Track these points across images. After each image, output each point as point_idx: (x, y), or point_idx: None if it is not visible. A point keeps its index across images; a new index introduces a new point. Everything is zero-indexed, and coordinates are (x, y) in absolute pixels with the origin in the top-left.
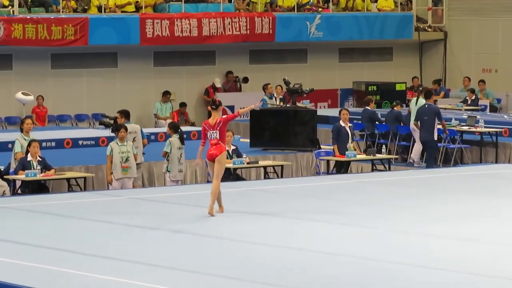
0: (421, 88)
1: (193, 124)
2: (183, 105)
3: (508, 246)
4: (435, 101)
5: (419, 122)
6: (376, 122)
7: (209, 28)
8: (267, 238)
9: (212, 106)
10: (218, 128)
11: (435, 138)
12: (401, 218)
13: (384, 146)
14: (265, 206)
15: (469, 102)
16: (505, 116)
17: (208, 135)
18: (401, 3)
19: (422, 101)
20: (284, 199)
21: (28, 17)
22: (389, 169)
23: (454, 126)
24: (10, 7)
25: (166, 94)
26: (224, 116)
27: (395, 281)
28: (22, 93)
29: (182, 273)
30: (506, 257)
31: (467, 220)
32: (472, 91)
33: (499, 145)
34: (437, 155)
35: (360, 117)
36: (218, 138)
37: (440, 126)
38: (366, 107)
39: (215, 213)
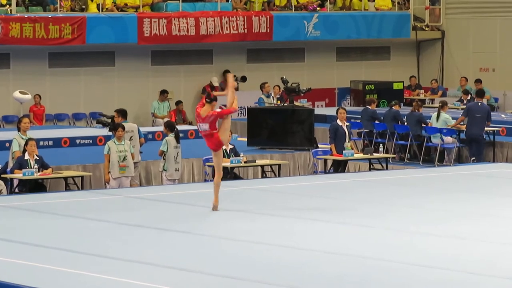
0: (440, 104)
1: (190, 123)
2: (179, 103)
3: (505, 244)
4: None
5: (466, 119)
6: (376, 122)
7: (206, 27)
8: (265, 237)
9: (207, 99)
10: (209, 121)
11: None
12: (399, 216)
13: (381, 145)
14: (262, 205)
15: (464, 102)
16: (503, 115)
17: (199, 127)
18: (398, 2)
19: (443, 115)
20: (281, 198)
21: (25, 16)
22: (387, 168)
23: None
24: (7, 6)
25: (163, 93)
26: (218, 110)
27: (393, 280)
28: (20, 92)
29: (179, 272)
30: (502, 255)
31: (464, 219)
32: (466, 92)
33: (497, 144)
34: (434, 154)
35: (357, 116)
36: (209, 129)
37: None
38: (367, 107)
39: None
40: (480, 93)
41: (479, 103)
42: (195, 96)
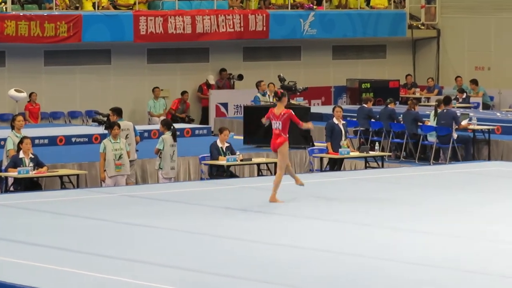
0: (437, 102)
1: (191, 121)
2: (184, 93)
3: (495, 242)
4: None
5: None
6: (372, 120)
7: (202, 25)
8: (263, 235)
9: (276, 98)
10: (281, 119)
11: None
12: (395, 215)
13: (377, 144)
14: (259, 203)
15: (460, 100)
16: (498, 114)
17: (272, 125)
18: (394, 1)
19: (438, 111)
20: (278, 196)
21: (21, 14)
22: (382, 166)
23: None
24: (3, 4)
25: (154, 90)
26: (291, 112)
27: (389, 279)
28: (15, 90)
29: (177, 270)
30: (492, 253)
31: (458, 217)
32: (461, 90)
33: (492, 143)
34: (430, 153)
35: (353, 114)
36: (280, 128)
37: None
38: (364, 105)
39: (281, 200)
40: (447, 100)
41: (445, 110)
42: (191, 94)
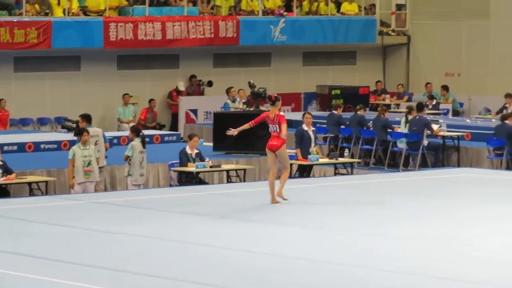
0: (407, 109)
1: (162, 127)
2: (151, 100)
3: (466, 248)
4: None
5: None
6: (342, 126)
7: (173, 32)
8: (233, 242)
9: (270, 102)
10: (277, 123)
11: None
12: (366, 221)
13: (347, 150)
14: (228, 210)
15: (430, 107)
16: (467, 120)
17: (270, 128)
18: (365, 7)
19: (409, 118)
20: (246, 203)
21: None
22: (352, 173)
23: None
24: None
25: (124, 96)
26: (281, 114)
27: (361, 286)
28: None
29: (151, 278)
30: (464, 259)
31: (428, 223)
32: (431, 97)
33: (461, 149)
34: (399, 159)
35: (323, 121)
36: (278, 131)
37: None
38: (333, 111)
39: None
40: (420, 107)
41: (417, 117)
42: (161, 100)
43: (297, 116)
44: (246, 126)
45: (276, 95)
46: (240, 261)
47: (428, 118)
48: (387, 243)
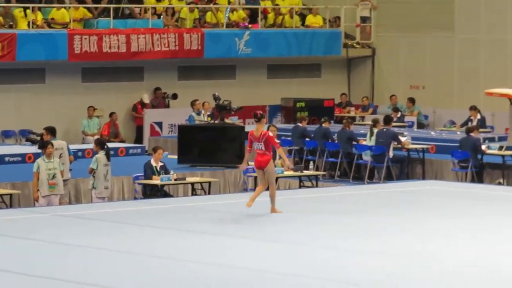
0: (372, 122)
1: (123, 141)
2: (112, 114)
3: (430, 261)
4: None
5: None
6: (307, 139)
7: (137, 44)
8: (199, 255)
9: (255, 119)
10: (262, 141)
11: None
12: (330, 234)
13: (311, 163)
14: (193, 223)
15: (394, 119)
16: (432, 133)
17: (254, 146)
18: (329, 20)
19: (375, 130)
20: (211, 216)
21: None
22: (317, 186)
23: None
24: None
25: (88, 109)
26: (270, 135)
27: None
28: None
29: None
30: (428, 272)
31: (392, 236)
32: (396, 109)
33: (426, 162)
34: (364, 172)
35: (288, 133)
36: (263, 149)
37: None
38: (298, 124)
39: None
40: (387, 120)
41: (384, 129)
42: (126, 113)
43: None
44: (247, 155)
45: (261, 112)
46: (205, 274)
47: (395, 129)
48: (350, 256)
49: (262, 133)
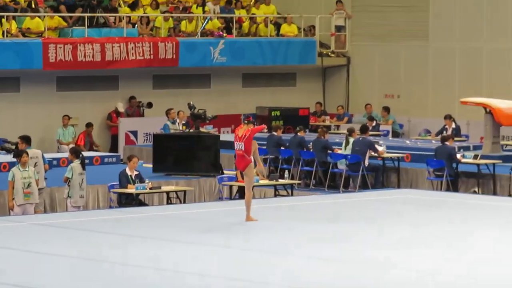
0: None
1: (97, 149)
2: (89, 125)
3: (403, 270)
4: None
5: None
6: (282, 148)
7: (112, 53)
8: (174, 263)
9: (245, 121)
10: (244, 140)
11: None
12: (302, 242)
13: (287, 171)
14: (168, 232)
15: (370, 128)
16: (407, 142)
17: (235, 145)
18: (304, 29)
19: (351, 139)
20: (186, 224)
21: None
22: (292, 194)
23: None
24: None
25: (63, 118)
26: (253, 129)
27: None
28: None
29: None
30: (401, 281)
31: (363, 244)
32: (371, 118)
33: (401, 170)
34: (339, 180)
35: (263, 142)
36: (243, 149)
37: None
38: (273, 133)
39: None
40: (363, 129)
41: (361, 138)
42: (101, 122)
43: None
44: (259, 159)
45: (252, 119)
46: (179, 283)
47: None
48: (321, 265)
49: (245, 133)
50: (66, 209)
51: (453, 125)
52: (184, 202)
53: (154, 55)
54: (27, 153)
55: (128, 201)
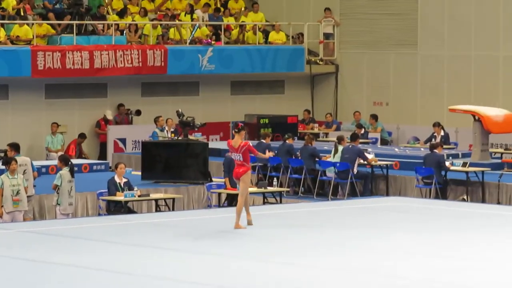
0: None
1: (85, 157)
2: (82, 136)
3: (391, 277)
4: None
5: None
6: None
7: (101, 61)
8: (163, 271)
9: (235, 130)
10: (241, 152)
11: None
12: (291, 250)
13: (275, 179)
14: (157, 239)
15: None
16: (396, 149)
17: (233, 156)
18: (292, 37)
19: (340, 147)
20: (175, 232)
21: None
22: (281, 202)
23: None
24: None
25: (52, 125)
26: (250, 144)
27: None
28: None
29: None
30: None
31: (354, 252)
32: (360, 126)
33: (390, 178)
34: (328, 188)
35: None
36: (242, 160)
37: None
38: (262, 140)
39: (244, 226)
40: (354, 137)
41: (350, 146)
42: (89, 129)
43: (225, 145)
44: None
45: (242, 124)
46: None
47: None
48: (311, 272)
49: (241, 145)
50: (55, 217)
51: (442, 133)
52: (173, 209)
53: (143, 62)
54: (16, 161)
55: (117, 208)
